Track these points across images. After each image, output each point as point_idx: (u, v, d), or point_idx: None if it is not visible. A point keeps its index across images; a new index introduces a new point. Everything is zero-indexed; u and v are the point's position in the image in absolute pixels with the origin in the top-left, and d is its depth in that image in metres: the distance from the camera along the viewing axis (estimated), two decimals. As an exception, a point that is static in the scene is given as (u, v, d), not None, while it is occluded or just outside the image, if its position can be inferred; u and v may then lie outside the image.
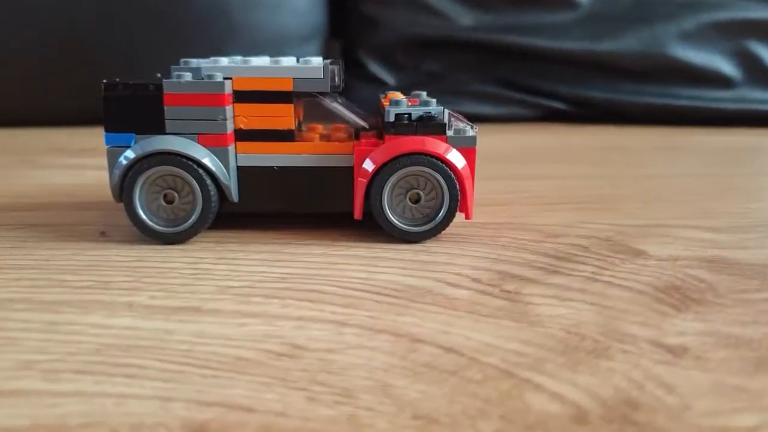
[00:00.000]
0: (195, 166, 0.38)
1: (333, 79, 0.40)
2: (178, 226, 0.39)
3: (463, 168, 0.39)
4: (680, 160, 0.70)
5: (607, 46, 0.90)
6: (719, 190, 0.55)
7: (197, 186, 0.39)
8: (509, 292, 0.33)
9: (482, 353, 0.26)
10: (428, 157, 0.39)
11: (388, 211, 0.39)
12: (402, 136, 0.39)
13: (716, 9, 0.91)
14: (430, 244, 0.40)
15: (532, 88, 0.93)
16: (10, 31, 0.85)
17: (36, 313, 0.30)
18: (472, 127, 0.40)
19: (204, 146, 0.39)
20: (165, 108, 0.38)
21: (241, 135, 0.40)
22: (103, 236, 0.41)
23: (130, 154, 0.38)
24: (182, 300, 0.31)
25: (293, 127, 0.40)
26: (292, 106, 0.40)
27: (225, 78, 0.39)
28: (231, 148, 0.39)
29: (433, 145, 0.39)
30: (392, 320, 0.29)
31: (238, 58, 0.41)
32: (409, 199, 0.40)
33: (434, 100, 0.41)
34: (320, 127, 0.44)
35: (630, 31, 0.90)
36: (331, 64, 0.40)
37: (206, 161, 0.38)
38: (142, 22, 0.86)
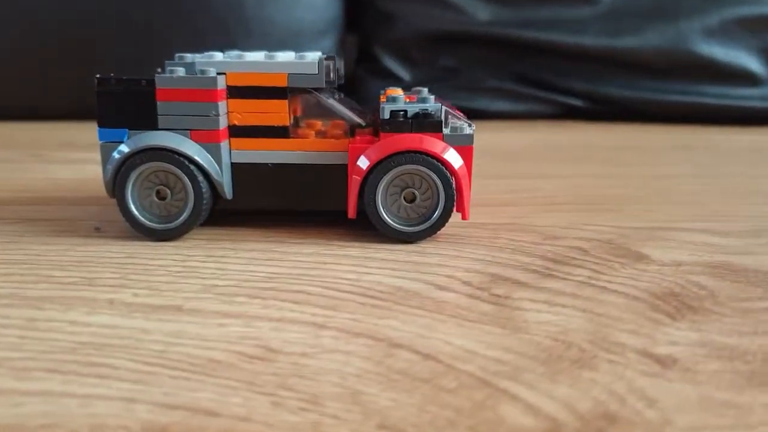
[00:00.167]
0: (186, 162, 0.38)
1: (328, 74, 0.40)
2: (170, 222, 0.39)
3: (459, 167, 0.38)
4: (699, 160, 0.68)
5: (627, 41, 0.88)
6: (736, 192, 0.53)
7: (188, 182, 0.38)
8: (498, 296, 0.32)
9: (460, 360, 0.26)
10: (423, 156, 0.38)
11: (383, 211, 0.39)
12: (397, 134, 0.38)
13: (741, 4, 0.88)
14: (424, 245, 0.39)
15: (550, 84, 0.91)
16: (28, 23, 0.86)
17: (18, 309, 0.30)
18: (469, 125, 0.39)
19: (196, 142, 0.38)
20: (157, 103, 0.38)
21: (236, 131, 0.40)
22: (98, 232, 0.41)
23: (122, 149, 0.38)
24: (165, 298, 0.31)
25: (288, 124, 0.40)
26: (286, 101, 0.39)
27: (219, 73, 0.38)
28: (224, 144, 0.39)
29: (429, 143, 0.38)
30: (373, 324, 0.29)
31: (234, 53, 0.41)
32: (404, 199, 0.39)
33: (432, 97, 0.40)
34: (319, 124, 0.44)
35: (652, 27, 0.88)
36: (326, 59, 0.40)
37: (197, 157, 0.38)
38: (158, 17, 0.86)
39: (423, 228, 0.39)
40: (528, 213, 0.46)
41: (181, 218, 0.39)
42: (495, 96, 0.92)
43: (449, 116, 0.40)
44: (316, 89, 0.40)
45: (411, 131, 0.38)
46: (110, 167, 0.39)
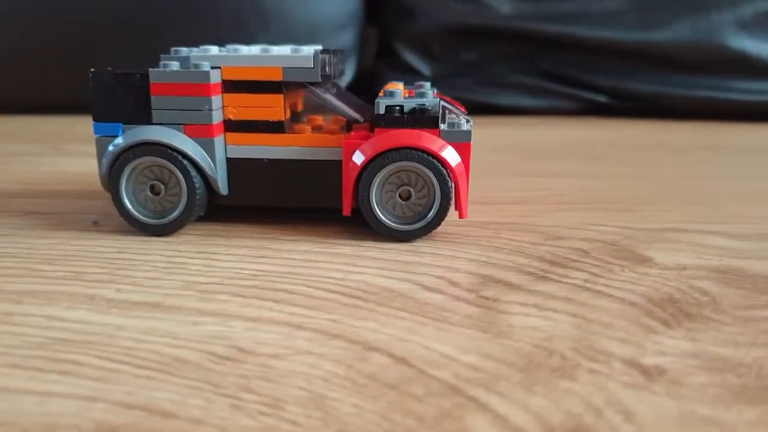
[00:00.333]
0: (179, 158, 0.38)
1: (324, 68, 0.39)
2: (164, 217, 0.39)
3: (456, 164, 0.37)
4: (725, 159, 0.65)
5: (655, 35, 0.85)
6: (760, 194, 0.51)
7: (182, 177, 0.38)
8: (487, 298, 0.31)
9: (434, 366, 0.24)
10: (418, 152, 0.37)
11: (377, 208, 0.38)
12: (392, 130, 0.37)
13: (776, -5, 0.84)
14: (419, 244, 0.38)
15: (574, 79, 0.88)
16: (48, 15, 0.87)
17: (-1, 302, 0.30)
18: (467, 121, 0.38)
19: (190, 137, 0.38)
20: (151, 98, 0.38)
21: (231, 126, 0.39)
22: (95, 226, 0.41)
23: (116, 144, 0.38)
24: (146, 294, 0.31)
25: (283, 118, 0.39)
26: (281, 96, 0.39)
27: (213, 67, 0.38)
28: (218, 139, 0.39)
29: (424, 139, 0.37)
30: (351, 325, 0.28)
31: (232, 47, 0.40)
32: (400, 196, 0.38)
33: (430, 92, 0.39)
34: (320, 119, 0.43)
35: (681, 20, 0.84)
36: (322, 53, 0.39)
37: (191, 152, 0.38)
38: (176, 11, 0.87)
39: (418, 226, 0.38)
40: (535, 212, 0.44)
41: (175, 213, 0.38)
42: (517, 91, 0.90)
43: (447, 112, 0.39)
44: (312, 83, 0.39)
45: (407, 127, 0.37)
46: (105, 161, 0.39)
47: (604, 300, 0.30)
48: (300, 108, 0.44)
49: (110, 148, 0.38)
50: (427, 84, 0.44)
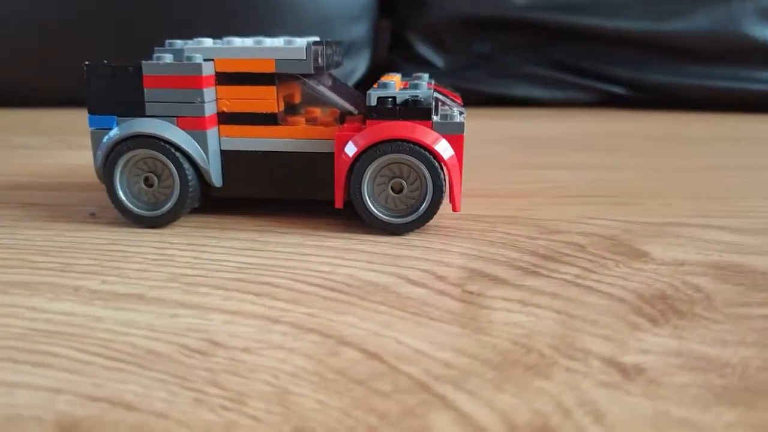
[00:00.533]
0: (172, 150, 0.38)
1: (316, 59, 0.38)
2: (158, 209, 0.39)
3: (449, 156, 0.37)
4: (739, 151, 0.63)
5: (672, 25, 0.83)
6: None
7: (174, 169, 0.38)
8: (471, 293, 0.30)
9: (406, 361, 0.24)
10: (410, 144, 0.36)
11: (368, 201, 0.37)
12: (384, 121, 0.37)
13: (801, -18, 0.81)
14: (411, 237, 0.37)
15: (590, 71, 0.87)
16: (58, 9, 0.88)
17: (-14, 293, 0.30)
18: (460, 113, 0.37)
19: (183, 129, 0.38)
20: (145, 90, 0.38)
21: (225, 118, 0.39)
22: (93, 217, 0.41)
23: (110, 136, 0.38)
24: (131, 286, 0.31)
25: (276, 111, 0.39)
26: (274, 88, 0.38)
27: (206, 60, 0.38)
28: (211, 131, 0.38)
29: (416, 131, 0.36)
30: (329, 319, 0.27)
31: (226, 39, 0.40)
32: (392, 189, 0.38)
33: (425, 83, 0.38)
34: (318, 111, 0.43)
35: (700, 9, 0.82)
36: (315, 44, 0.38)
37: (183, 144, 0.38)
38: (189, 3, 0.87)
39: (410, 219, 0.37)
40: (535, 205, 0.44)
41: (168, 205, 0.38)
42: (532, 83, 0.88)
43: (440, 103, 0.39)
44: (305, 75, 0.39)
45: (399, 119, 0.37)
46: (100, 154, 0.39)
47: (592, 296, 0.30)
48: (297, 100, 0.43)
49: (104, 140, 0.38)
50: (425, 75, 0.43)
